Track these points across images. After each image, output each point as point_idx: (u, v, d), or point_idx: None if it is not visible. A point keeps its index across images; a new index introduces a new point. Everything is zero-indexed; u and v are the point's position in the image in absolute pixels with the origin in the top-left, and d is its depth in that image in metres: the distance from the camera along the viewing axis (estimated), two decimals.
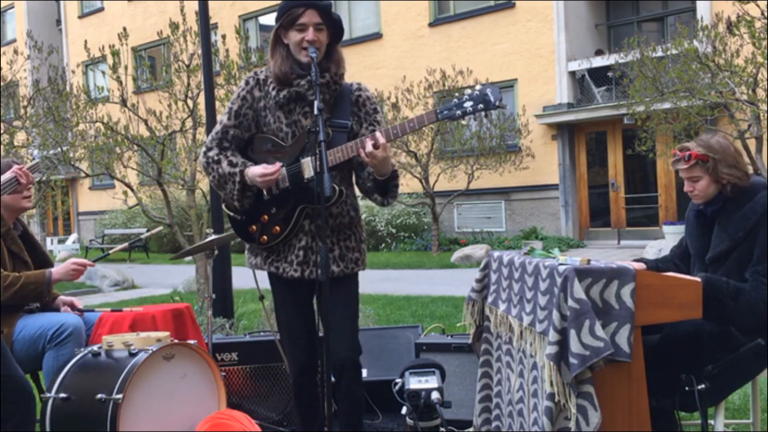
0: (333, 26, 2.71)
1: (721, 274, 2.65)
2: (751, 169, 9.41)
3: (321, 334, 2.52)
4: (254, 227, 2.78)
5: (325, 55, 2.71)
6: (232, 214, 2.84)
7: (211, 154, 2.77)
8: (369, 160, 2.56)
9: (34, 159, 2.98)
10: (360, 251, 2.83)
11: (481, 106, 2.56)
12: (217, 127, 2.81)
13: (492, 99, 2.56)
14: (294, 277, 2.73)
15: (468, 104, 2.57)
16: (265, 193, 2.74)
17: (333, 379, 2.79)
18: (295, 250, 2.74)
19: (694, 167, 2.73)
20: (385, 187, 2.73)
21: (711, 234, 2.77)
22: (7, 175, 2.96)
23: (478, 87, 2.59)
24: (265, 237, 2.75)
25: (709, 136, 2.79)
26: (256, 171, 2.67)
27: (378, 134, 2.56)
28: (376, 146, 2.53)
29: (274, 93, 2.73)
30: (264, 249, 2.79)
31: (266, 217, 2.75)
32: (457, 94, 2.63)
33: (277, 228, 2.73)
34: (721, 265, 2.69)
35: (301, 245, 2.73)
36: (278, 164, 2.68)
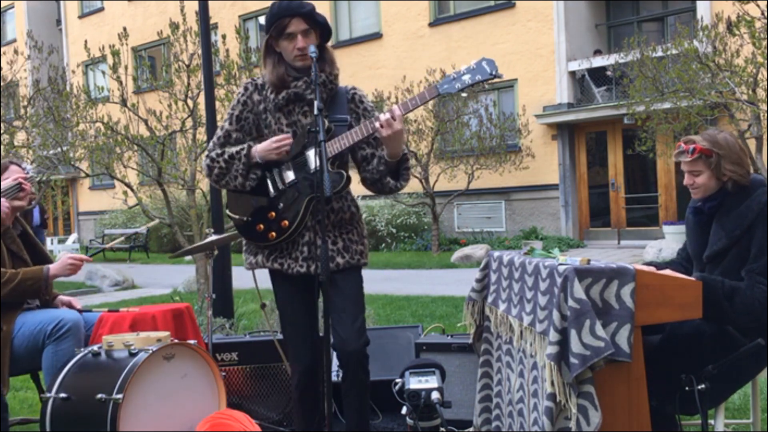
0: (320, 27, 2.76)
1: (719, 273, 2.64)
2: (751, 169, 9.41)
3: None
4: (261, 226, 2.79)
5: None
6: (237, 216, 2.85)
7: (213, 154, 2.81)
8: (385, 132, 2.62)
9: (28, 173, 2.98)
10: (363, 245, 2.88)
11: (478, 77, 2.68)
12: (219, 132, 2.85)
13: (488, 69, 2.69)
14: (300, 273, 2.76)
15: (466, 77, 2.69)
16: (271, 189, 2.77)
17: (340, 372, 2.78)
18: (300, 246, 2.77)
19: (697, 161, 2.70)
20: (396, 170, 2.80)
21: (708, 232, 2.75)
22: (8, 182, 2.94)
23: (474, 61, 2.71)
24: (273, 233, 2.77)
25: (716, 132, 2.76)
26: (268, 141, 2.72)
27: (395, 107, 2.67)
28: (393, 118, 2.61)
29: (272, 96, 2.79)
30: (266, 246, 2.81)
31: (273, 213, 2.78)
32: (454, 70, 2.76)
33: (286, 222, 2.75)
34: (719, 263, 2.67)
35: (304, 241, 2.76)
36: (289, 135, 2.73)
